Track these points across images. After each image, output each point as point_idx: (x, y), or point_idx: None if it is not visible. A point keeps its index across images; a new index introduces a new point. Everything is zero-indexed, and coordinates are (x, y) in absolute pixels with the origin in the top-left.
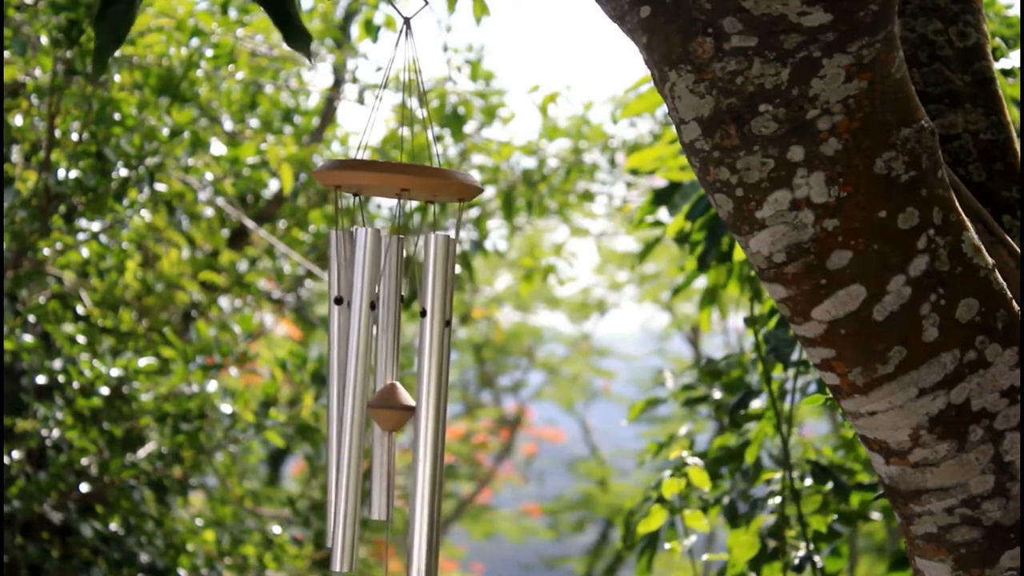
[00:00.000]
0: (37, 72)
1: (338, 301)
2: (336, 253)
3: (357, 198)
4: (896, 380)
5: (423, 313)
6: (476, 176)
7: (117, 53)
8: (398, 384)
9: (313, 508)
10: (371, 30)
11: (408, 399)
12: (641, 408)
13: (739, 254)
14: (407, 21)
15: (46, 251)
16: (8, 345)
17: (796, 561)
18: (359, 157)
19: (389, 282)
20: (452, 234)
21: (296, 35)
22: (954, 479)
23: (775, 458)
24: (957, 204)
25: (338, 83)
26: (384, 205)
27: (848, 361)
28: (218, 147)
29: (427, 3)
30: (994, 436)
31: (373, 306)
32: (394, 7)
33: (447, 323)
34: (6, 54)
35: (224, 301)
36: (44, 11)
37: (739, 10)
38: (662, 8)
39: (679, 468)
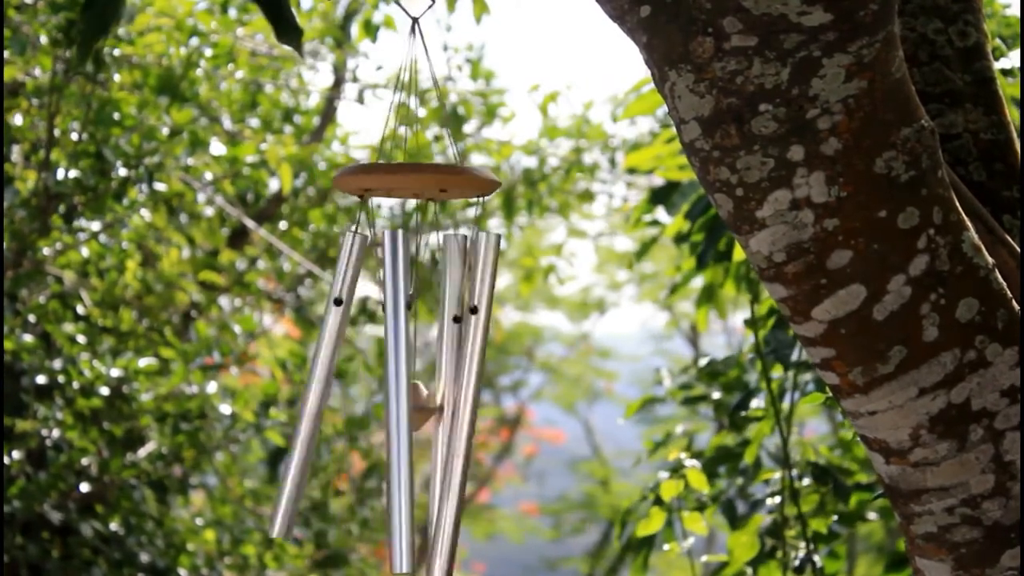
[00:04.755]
0: (37, 72)
1: (338, 303)
2: (347, 255)
3: (359, 200)
4: (896, 380)
5: (473, 310)
6: (488, 171)
7: (117, 52)
8: (420, 384)
9: (313, 508)
10: (370, 30)
11: (430, 400)
12: (638, 406)
13: (737, 254)
14: (415, 21)
15: (46, 251)
16: (8, 345)
17: (796, 562)
18: (369, 158)
19: (401, 282)
20: (498, 233)
21: (287, 30)
22: (954, 479)
23: (774, 457)
24: (957, 204)
25: (338, 83)
26: (385, 204)
27: (848, 361)
28: (218, 147)
29: (434, 2)
30: (994, 436)
31: (410, 306)
32: (401, 7)
33: (474, 311)
34: (6, 54)
35: (224, 301)
36: (43, 11)
37: (739, 10)
38: (662, 8)
39: (677, 469)
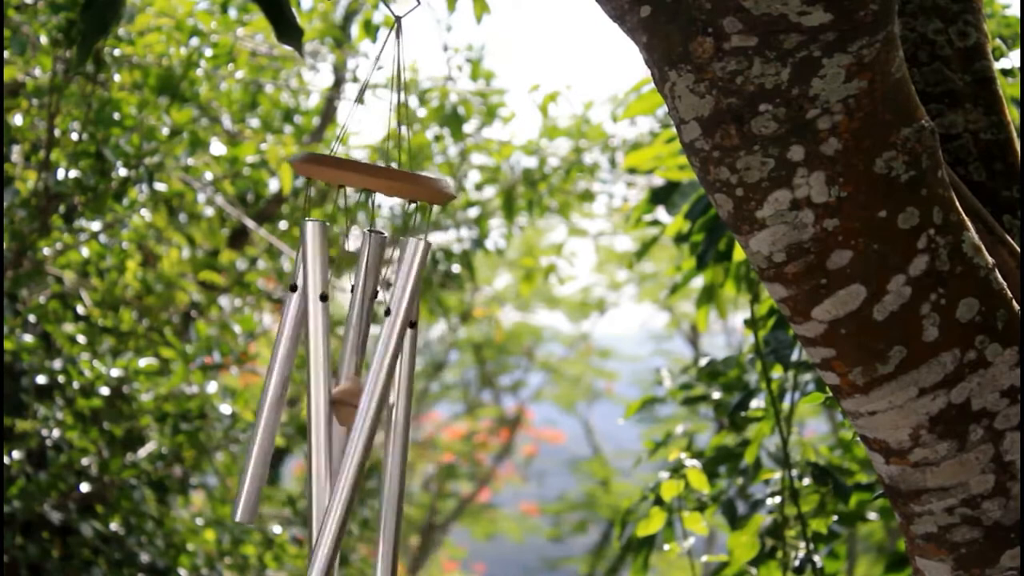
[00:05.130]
0: (37, 72)
1: (293, 288)
2: (305, 243)
3: (339, 192)
4: (896, 380)
5: (386, 312)
6: (449, 182)
7: (117, 52)
8: (361, 380)
9: None
10: (370, 30)
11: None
12: (638, 407)
13: (737, 254)
14: (398, 20)
15: (46, 251)
16: (8, 345)
17: (796, 562)
18: (327, 150)
19: (361, 278)
20: (426, 238)
21: (287, 31)
22: (954, 479)
23: (774, 457)
24: (957, 204)
25: (338, 83)
26: (386, 204)
27: (848, 361)
28: (218, 147)
29: (419, 3)
30: (994, 436)
31: (325, 297)
32: (387, 6)
33: (412, 324)
34: (6, 54)
35: (224, 301)
36: (43, 11)
37: (739, 10)
38: (662, 8)
39: (677, 470)
